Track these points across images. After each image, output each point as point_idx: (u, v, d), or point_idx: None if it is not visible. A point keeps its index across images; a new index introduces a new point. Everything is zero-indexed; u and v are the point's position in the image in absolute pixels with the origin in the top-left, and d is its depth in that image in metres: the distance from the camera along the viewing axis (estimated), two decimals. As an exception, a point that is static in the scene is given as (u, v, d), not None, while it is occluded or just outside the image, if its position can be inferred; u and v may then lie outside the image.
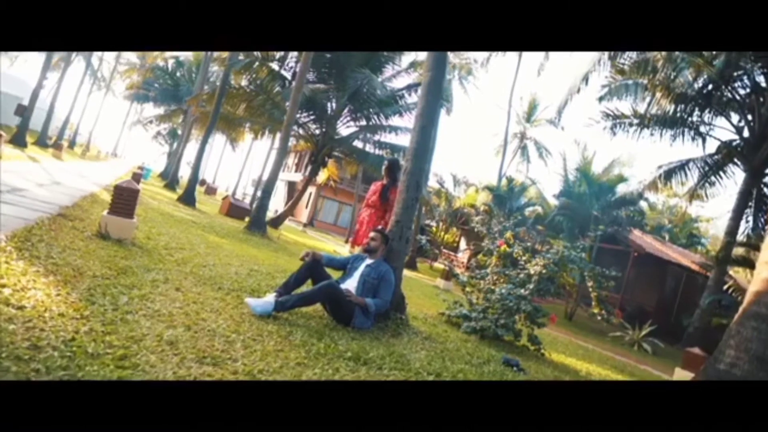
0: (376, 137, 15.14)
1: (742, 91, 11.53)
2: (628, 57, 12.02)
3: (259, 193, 12.79)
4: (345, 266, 3.89)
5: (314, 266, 3.62)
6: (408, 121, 15.02)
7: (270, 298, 3.18)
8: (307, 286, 3.68)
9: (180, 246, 4.86)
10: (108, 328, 2.08)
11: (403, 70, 15.94)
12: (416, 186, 4.19)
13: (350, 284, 3.64)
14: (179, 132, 27.31)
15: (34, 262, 2.65)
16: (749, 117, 11.46)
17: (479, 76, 34.71)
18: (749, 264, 11.45)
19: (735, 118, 11.94)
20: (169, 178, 19.44)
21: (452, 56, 26.11)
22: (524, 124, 29.62)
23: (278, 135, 13.66)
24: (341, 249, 12.64)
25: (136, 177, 10.00)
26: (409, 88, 15.10)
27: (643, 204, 18.21)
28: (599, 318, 5.24)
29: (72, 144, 29.08)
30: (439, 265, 20.61)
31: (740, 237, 11.92)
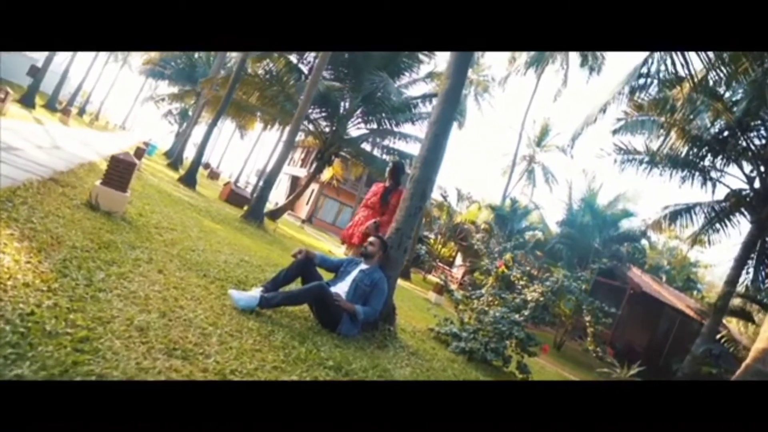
0: (386, 142, 15.04)
1: (757, 141, 11.41)
2: (648, 94, 11.93)
3: (261, 183, 12.68)
4: (338, 268, 3.73)
5: (306, 265, 3.46)
6: (419, 130, 14.92)
7: (255, 292, 3.02)
8: (296, 285, 3.53)
9: (171, 226, 4.70)
10: (75, 305, 1.92)
11: (420, 79, 15.86)
12: (422, 195, 4.04)
13: (341, 288, 3.48)
14: (190, 113, 27.20)
15: (10, 225, 2.50)
16: (762, 168, 11.33)
17: (495, 95, 34.73)
18: (746, 316, 11.31)
19: (747, 167, 11.81)
20: (174, 158, 19.32)
21: (470, 72, 26.09)
22: (534, 148, 29.56)
23: (288, 128, 13.55)
24: (337, 250, 12.46)
25: (139, 152, 9.88)
26: (425, 97, 14.99)
27: (643, 242, 18.08)
28: (594, 355, 5.08)
29: (81, 111, 29.01)
30: (432, 277, 20.42)
31: (739, 288, 11.77)
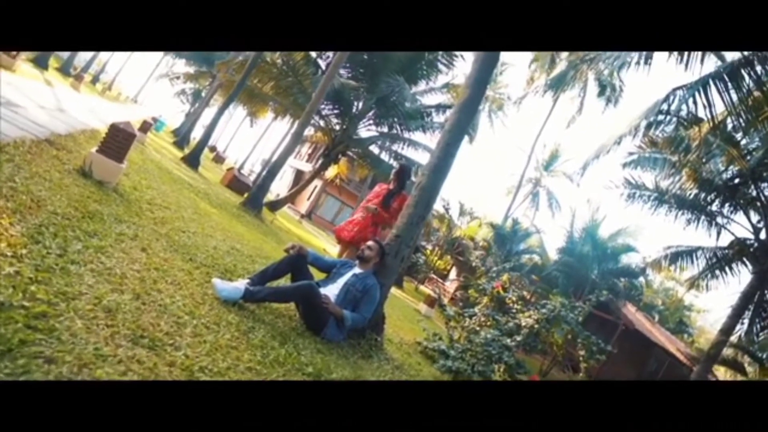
0: (394, 147, 14.89)
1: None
2: (663, 131, 11.82)
3: (264, 172, 12.49)
4: (330, 269, 3.57)
5: (298, 261, 3.30)
6: (430, 139, 14.80)
7: (240, 284, 2.85)
8: (286, 281, 3.38)
9: (165, 204, 4.54)
10: (40, 275, 1.76)
11: (437, 89, 15.75)
12: (426, 203, 3.89)
13: (331, 290, 3.32)
14: (203, 94, 27.12)
15: (-12, 181, 2.34)
16: (770, 219, 11.18)
17: (509, 114, 34.62)
18: (737, 366, 11.12)
19: (755, 217, 11.67)
20: (181, 136, 19.19)
21: (488, 88, 26.03)
22: (541, 171, 29.45)
23: (298, 120, 13.42)
24: (332, 249, 12.28)
25: (145, 125, 9.75)
26: (439, 107, 14.88)
27: (640, 279, 17.90)
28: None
29: (95, 80, 28.93)
30: (424, 288, 20.22)
31: (732, 338, 11.60)
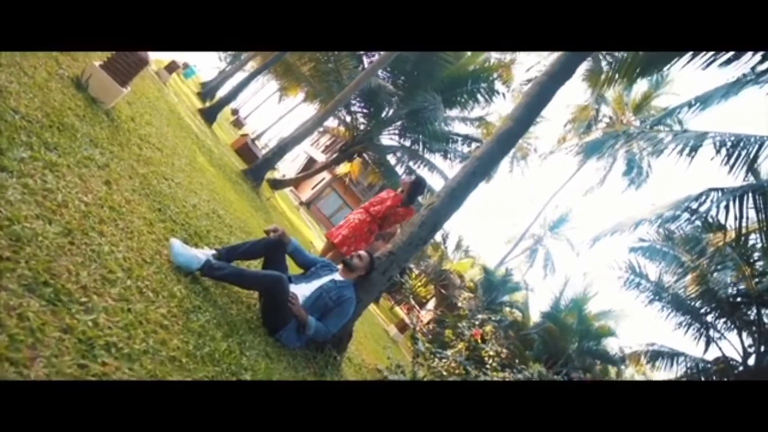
0: (411, 162, 14.58)
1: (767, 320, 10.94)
2: (679, 227, 11.55)
3: (276, 148, 12.00)
4: (309, 266, 3.18)
5: (276, 246, 2.92)
6: (449, 166, 14.49)
7: (203, 253, 2.46)
8: (258, 265, 3.00)
9: (159, 146, 4.16)
10: (-55, 170, 1.37)
11: (470, 119, 15.52)
12: (433, 227, 3.52)
13: (302, 290, 2.92)
14: (242, 57, 26.88)
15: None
16: (762, 348, 10.82)
17: (530, 165, 34.46)
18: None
19: (748, 340, 11.33)
20: (206, 90, 18.87)
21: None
22: (546, 231, 29.15)
23: (326, 107, 13.10)
24: (320, 246, 11.87)
25: (173, 66, 9.42)
26: (466, 138, 14.62)
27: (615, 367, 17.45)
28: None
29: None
30: (399, 310, 19.72)
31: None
